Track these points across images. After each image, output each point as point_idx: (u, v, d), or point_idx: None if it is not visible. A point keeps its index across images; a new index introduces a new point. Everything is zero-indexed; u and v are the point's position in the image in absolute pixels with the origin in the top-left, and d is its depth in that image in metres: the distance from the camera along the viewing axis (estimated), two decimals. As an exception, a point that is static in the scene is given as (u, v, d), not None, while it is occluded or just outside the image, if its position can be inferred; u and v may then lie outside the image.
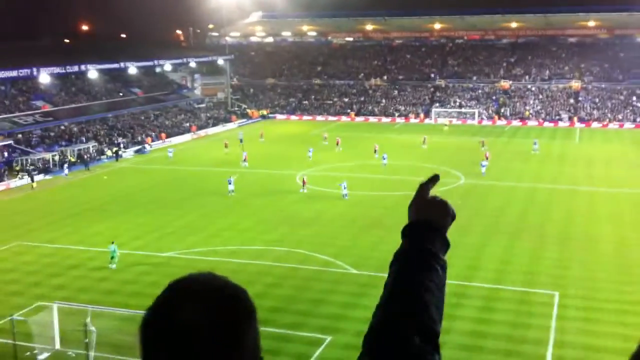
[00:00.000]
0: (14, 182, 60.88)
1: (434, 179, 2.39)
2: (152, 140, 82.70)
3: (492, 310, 30.23)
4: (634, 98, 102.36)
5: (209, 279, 1.92)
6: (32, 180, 60.37)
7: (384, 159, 66.06)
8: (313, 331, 28.26)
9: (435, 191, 2.40)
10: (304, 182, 55.30)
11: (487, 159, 65.02)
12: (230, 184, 53.90)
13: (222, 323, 1.83)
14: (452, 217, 2.34)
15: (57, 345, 27.21)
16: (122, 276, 35.37)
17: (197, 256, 38.36)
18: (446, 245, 2.30)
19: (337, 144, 77.22)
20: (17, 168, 64.52)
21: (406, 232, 2.32)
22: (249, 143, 77.96)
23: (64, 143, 73.57)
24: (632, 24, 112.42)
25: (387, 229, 43.41)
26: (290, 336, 27.98)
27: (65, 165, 65.89)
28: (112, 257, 36.57)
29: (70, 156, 70.34)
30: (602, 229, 43.76)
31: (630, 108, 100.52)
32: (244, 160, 66.67)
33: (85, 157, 70.88)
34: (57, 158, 68.84)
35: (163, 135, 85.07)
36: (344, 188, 52.21)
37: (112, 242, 37.43)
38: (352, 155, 71.65)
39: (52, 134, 75.42)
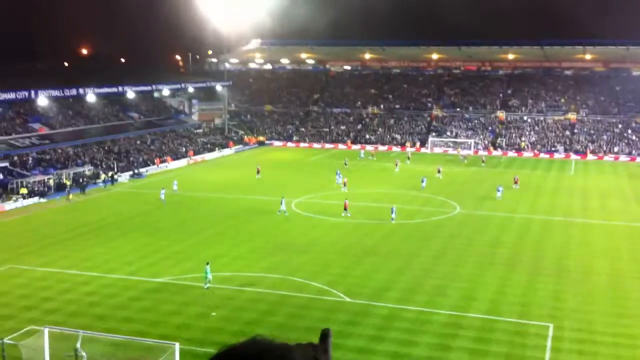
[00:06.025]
0: (9, 205, 60.66)
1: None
2: (172, 160, 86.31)
3: (486, 341, 30.02)
4: (629, 131, 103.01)
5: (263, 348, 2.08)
6: (69, 194, 64.37)
7: (423, 182, 68.78)
8: (306, 360, 27.95)
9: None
10: (345, 207, 55.55)
11: (515, 183, 69.67)
12: (281, 204, 55.94)
13: None
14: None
15: (47, 370, 26.90)
16: (114, 301, 35.09)
17: (192, 282, 38.10)
18: None
19: (396, 165, 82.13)
20: (23, 190, 64.46)
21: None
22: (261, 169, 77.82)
23: (59, 166, 73.44)
24: (628, 57, 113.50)
25: (382, 256, 43.31)
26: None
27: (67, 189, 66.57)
28: (206, 278, 36.97)
29: (66, 179, 70.18)
30: (598, 261, 43.66)
31: (626, 141, 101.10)
32: (344, 185, 67.63)
33: (81, 180, 70.71)
34: (52, 182, 68.65)
35: (158, 160, 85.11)
36: (393, 212, 53.51)
37: (207, 263, 37.81)
38: (355, 182, 71.74)
39: (48, 156, 75.31)
